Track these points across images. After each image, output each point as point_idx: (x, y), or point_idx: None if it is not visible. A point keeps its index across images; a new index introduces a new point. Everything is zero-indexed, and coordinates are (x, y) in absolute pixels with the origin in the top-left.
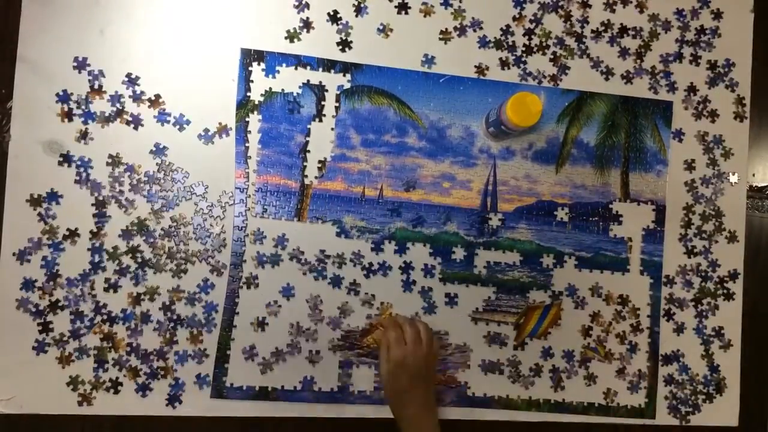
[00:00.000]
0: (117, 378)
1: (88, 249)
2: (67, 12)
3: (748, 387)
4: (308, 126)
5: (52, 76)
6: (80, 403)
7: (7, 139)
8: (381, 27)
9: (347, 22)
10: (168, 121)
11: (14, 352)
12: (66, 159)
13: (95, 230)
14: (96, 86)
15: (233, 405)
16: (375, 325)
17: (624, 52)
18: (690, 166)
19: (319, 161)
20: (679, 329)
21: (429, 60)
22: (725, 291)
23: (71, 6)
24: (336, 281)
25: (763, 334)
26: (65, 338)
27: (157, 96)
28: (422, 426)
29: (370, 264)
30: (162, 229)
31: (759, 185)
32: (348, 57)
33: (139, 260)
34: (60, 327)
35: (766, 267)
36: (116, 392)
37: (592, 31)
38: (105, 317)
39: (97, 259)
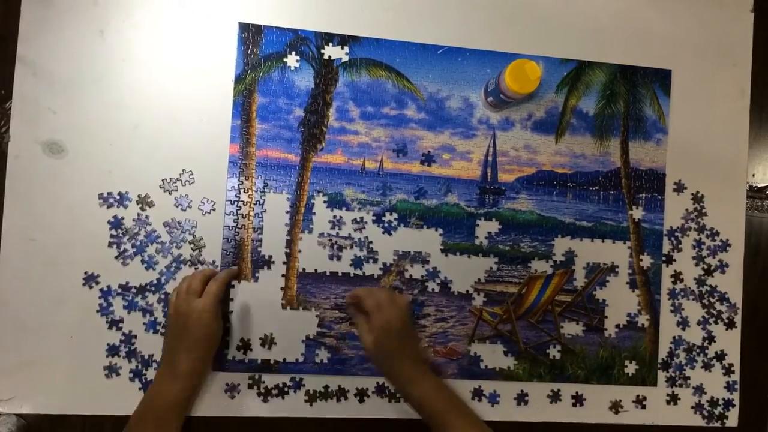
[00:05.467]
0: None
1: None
2: (67, 12)
3: (748, 387)
4: (307, 99)
5: (52, 76)
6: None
7: (7, 139)
8: None
9: None
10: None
11: (14, 352)
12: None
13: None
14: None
15: (233, 405)
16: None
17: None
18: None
19: (319, 134)
20: (680, 325)
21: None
22: (724, 282)
23: (71, 6)
24: (336, 256)
25: (763, 333)
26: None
27: None
28: (420, 378)
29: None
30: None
31: (759, 185)
32: (346, 29)
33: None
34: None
35: (766, 267)
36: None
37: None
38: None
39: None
